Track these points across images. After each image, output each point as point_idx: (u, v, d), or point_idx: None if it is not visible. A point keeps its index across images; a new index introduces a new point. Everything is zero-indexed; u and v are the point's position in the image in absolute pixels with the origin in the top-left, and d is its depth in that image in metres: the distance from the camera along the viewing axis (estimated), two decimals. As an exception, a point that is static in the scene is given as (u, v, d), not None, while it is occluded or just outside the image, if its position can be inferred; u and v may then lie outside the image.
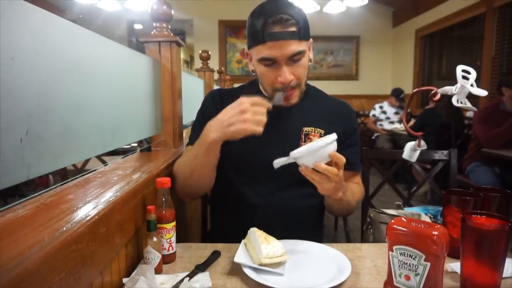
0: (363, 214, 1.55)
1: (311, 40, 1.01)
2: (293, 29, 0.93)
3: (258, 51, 0.96)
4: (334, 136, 0.82)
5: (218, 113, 1.09)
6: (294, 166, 0.85)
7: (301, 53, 0.96)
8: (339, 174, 0.83)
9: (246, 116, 0.82)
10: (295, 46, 0.93)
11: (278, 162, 0.86)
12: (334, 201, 0.98)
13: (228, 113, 0.85)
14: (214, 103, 1.10)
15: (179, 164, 1.03)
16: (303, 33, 0.95)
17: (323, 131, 1.07)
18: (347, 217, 1.83)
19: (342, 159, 0.82)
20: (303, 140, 1.06)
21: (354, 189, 1.09)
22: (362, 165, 1.20)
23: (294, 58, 0.95)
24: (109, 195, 0.69)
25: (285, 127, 1.06)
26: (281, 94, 0.98)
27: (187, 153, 1.04)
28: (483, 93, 0.88)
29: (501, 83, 2.77)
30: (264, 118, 0.84)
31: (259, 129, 0.83)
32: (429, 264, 0.63)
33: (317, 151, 0.80)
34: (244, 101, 0.84)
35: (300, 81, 1.00)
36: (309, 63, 1.03)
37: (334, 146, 0.82)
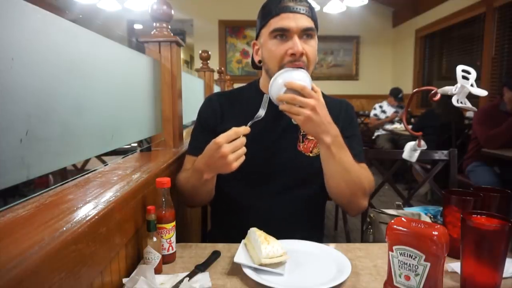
0: (363, 214, 1.55)
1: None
2: (306, 7, 0.97)
3: (270, 26, 0.97)
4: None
5: (216, 119, 1.09)
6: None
7: (313, 30, 0.97)
8: (297, 98, 0.85)
9: (228, 159, 0.84)
10: (307, 22, 0.96)
11: None
12: (334, 168, 0.94)
13: (211, 159, 0.87)
14: (211, 109, 1.10)
15: (184, 183, 1.04)
16: (314, 16, 0.98)
17: None
18: (347, 216, 1.83)
19: (297, 84, 0.86)
20: (301, 140, 1.06)
21: (358, 167, 1.02)
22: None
23: (307, 33, 0.96)
24: (109, 195, 0.69)
25: (283, 127, 1.06)
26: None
27: (187, 174, 1.04)
28: (483, 93, 0.88)
29: (504, 83, 2.77)
30: (243, 150, 0.86)
31: (240, 161, 0.87)
32: (429, 264, 0.63)
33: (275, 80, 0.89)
34: (220, 144, 0.84)
35: (310, 60, 0.97)
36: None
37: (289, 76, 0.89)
